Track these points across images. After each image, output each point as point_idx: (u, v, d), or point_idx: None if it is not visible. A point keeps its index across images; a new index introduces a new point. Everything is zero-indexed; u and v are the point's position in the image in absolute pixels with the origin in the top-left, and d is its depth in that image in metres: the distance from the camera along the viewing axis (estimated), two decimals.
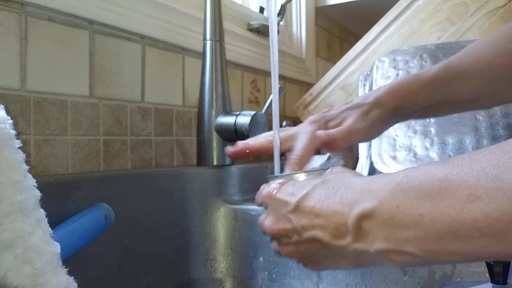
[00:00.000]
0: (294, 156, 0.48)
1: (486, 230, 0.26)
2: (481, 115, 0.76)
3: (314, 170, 0.43)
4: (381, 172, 0.76)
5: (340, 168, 0.38)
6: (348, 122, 0.51)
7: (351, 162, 0.93)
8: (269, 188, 0.40)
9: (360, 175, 0.36)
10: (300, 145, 0.49)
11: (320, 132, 0.50)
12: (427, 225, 0.28)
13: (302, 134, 0.50)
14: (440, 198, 0.28)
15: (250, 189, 0.79)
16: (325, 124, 0.53)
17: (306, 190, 0.36)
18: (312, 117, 0.53)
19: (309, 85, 1.28)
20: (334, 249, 0.34)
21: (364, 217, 0.31)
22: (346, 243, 0.33)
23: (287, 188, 0.38)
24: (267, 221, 0.39)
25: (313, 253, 0.36)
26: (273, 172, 0.48)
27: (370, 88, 0.88)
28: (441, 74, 0.52)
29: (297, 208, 0.36)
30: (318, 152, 0.53)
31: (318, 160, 0.90)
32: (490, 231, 0.26)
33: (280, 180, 0.41)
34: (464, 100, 0.52)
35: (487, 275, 0.38)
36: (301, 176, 0.42)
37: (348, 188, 0.33)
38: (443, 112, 0.55)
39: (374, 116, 0.51)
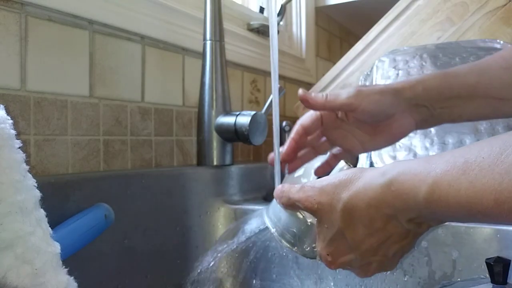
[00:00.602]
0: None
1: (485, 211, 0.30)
2: None
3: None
4: None
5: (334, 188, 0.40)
6: None
7: (351, 162, 0.93)
8: (324, 260, 0.41)
9: (363, 186, 0.37)
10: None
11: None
12: (455, 208, 0.32)
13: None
14: (459, 181, 0.31)
15: (250, 189, 0.79)
16: None
17: (356, 237, 0.38)
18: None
19: (309, 85, 1.28)
20: (402, 245, 0.38)
21: (413, 219, 0.36)
22: (411, 236, 0.38)
23: (338, 247, 0.40)
24: (358, 273, 0.42)
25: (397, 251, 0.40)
26: (272, 172, 0.48)
27: None
28: (462, 67, 0.51)
29: (363, 258, 0.39)
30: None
31: (319, 159, 0.89)
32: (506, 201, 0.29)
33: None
34: (492, 96, 0.50)
35: (487, 275, 0.38)
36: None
37: (381, 209, 0.36)
38: (473, 111, 0.52)
39: (387, 87, 0.51)
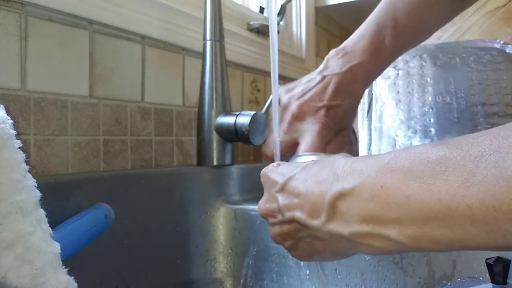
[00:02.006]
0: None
1: (480, 218, 0.24)
2: (481, 115, 0.76)
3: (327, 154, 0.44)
4: None
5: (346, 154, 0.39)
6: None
7: None
8: (266, 167, 0.40)
9: (353, 157, 0.35)
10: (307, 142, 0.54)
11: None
12: (413, 208, 0.26)
13: (306, 132, 0.53)
14: (432, 181, 0.26)
15: (250, 189, 0.79)
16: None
17: (296, 171, 0.36)
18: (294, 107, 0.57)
19: None
20: (311, 230, 0.33)
21: (342, 195, 0.30)
22: (320, 223, 0.32)
23: (280, 169, 0.38)
24: (260, 201, 0.40)
25: (294, 234, 0.36)
26: None
27: (370, 88, 0.88)
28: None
29: (283, 188, 0.36)
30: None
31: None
32: (483, 220, 0.24)
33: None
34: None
35: (487, 275, 0.38)
36: (311, 158, 0.43)
37: (332, 167, 0.32)
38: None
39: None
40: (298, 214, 0.34)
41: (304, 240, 0.35)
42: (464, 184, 0.24)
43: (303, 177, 0.35)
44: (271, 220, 0.38)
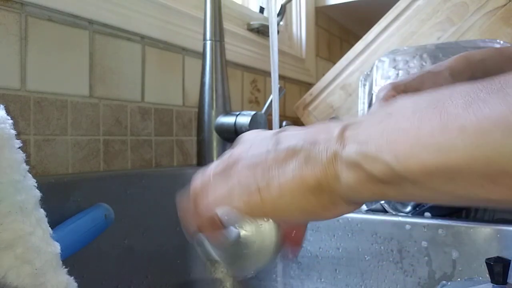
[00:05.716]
0: None
1: (471, 130, 0.23)
2: None
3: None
4: None
5: None
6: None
7: None
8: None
9: None
10: None
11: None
12: (411, 137, 0.25)
13: None
14: (439, 104, 0.25)
15: None
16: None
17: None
18: (384, 92, 0.50)
19: (309, 85, 1.28)
20: (308, 153, 0.30)
21: (350, 125, 0.29)
22: (324, 146, 0.30)
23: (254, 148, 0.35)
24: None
25: (282, 161, 0.32)
26: None
27: (370, 88, 0.88)
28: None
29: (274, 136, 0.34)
30: None
31: None
32: (474, 133, 0.23)
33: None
34: None
35: (487, 275, 0.38)
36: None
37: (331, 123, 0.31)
38: None
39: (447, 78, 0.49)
40: (299, 144, 0.31)
41: (288, 164, 0.31)
42: (467, 104, 0.23)
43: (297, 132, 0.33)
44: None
